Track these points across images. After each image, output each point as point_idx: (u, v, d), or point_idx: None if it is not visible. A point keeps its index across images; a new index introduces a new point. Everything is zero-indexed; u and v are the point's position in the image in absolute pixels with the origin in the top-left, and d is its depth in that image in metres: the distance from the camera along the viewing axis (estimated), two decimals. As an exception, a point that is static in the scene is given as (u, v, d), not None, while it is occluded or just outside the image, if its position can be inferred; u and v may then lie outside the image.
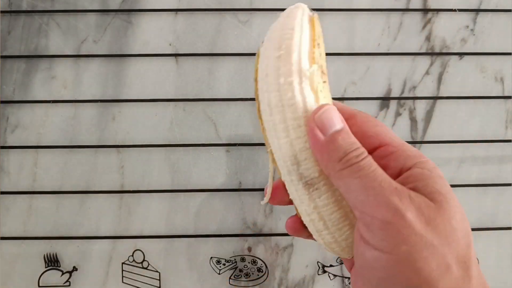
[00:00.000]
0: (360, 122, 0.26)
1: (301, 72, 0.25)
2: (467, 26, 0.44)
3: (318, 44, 0.26)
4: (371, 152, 0.25)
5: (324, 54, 0.27)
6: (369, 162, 0.23)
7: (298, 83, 0.25)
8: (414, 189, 0.23)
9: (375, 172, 0.23)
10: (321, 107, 0.25)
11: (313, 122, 0.24)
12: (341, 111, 0.26)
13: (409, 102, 0.44)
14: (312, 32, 0.26)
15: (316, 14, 0.27)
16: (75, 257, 0.43)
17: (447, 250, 0.21)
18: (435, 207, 0.22)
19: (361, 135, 0.25)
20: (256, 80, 0.27)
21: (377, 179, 0.23)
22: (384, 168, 0.24)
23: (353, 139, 0.24)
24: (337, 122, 0.24)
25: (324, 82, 0.26)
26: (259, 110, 0.27)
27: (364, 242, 0.23)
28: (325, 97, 0.26)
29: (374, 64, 0.44)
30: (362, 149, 0.24)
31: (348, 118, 0.26)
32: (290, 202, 0.28)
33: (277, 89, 0.25)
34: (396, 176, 0.24)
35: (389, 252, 0.22)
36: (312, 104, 0.25)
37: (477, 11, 0.44)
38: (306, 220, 0.27)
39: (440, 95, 0.44)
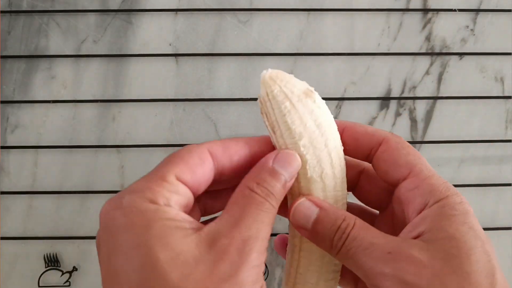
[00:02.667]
0: (392, 149, 0.26)
1: None
2: (467, 26, 0.44)
3: None
4: (399, 182, 0.25)
5: None
6: (354, 236, 0.23)
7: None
8: (423, 234, 0.23)
9: (361, 245, 0.23)
10: (292, 204, 0.25)
11: (294, 222, 0.25)
12: (372, 136, 0.26)
13: (409, 102, 0.44)
14: None
15: None
16: (75, 257, 0.43)
17: None
18: (442, 257, 0.21)
19: (392, 163, 0.25)
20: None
21: (366, 252, 0.23)
22: (409, 202, 0.24)
23: (331, 218, 0.24)
24: (311, 212, 0.24)
25: None
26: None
27: None
28: None
29: (374, 64, 0.44)
30: (345, 223, 0.24)
31: (381, 142, 0.26)
32: None
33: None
34: (419, 211, 0.24)
35: None
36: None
37: (477, 11, 0.44)
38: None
39: (440, 95, 0.44)
